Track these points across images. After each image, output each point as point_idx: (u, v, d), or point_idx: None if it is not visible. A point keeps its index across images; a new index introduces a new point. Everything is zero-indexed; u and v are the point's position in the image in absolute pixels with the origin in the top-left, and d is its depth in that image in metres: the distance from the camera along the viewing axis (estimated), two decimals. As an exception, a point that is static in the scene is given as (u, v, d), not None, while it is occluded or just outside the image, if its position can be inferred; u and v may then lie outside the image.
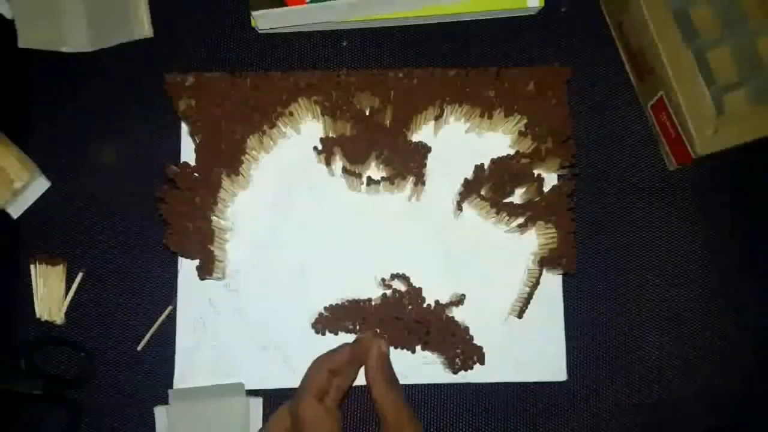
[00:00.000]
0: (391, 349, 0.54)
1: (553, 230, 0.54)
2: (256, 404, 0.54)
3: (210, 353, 0.56)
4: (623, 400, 0.57)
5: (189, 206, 0.53)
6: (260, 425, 0.54)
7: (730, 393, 0.57)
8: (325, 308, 0.55)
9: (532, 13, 0.60)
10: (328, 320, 0.55)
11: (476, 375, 0.55)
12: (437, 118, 0.56)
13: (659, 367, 0.57)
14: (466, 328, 0.55)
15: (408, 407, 0.49)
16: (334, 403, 0.49)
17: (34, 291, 0.56)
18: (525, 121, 0.55)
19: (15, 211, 0.57)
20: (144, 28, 0.59)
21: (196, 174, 0.54)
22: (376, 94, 0.54)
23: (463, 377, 0.55)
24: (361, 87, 0.55)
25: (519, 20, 0.60)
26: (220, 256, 0.55)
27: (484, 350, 0.54)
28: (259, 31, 0.60)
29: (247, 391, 0.55)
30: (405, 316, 0.54)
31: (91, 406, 0.55)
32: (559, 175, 0.57)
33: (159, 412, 0.54)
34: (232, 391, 0.54)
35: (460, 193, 0.55)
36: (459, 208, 0.56)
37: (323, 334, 0.55)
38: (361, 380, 0.55)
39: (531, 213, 0.54)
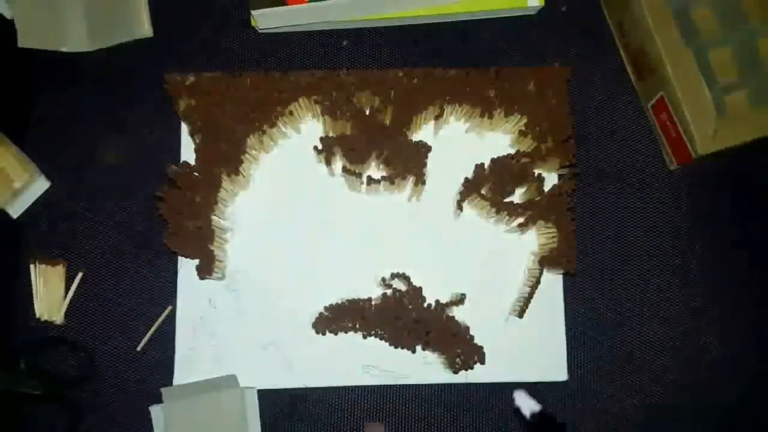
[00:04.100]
0: (391, 349, 0.54)
1: (554, 230, 0.54)
2: (251, 395, 0.54)
3: (210, 353, 0.55)
4: (624, 400, 0.57)
5: (189, 206, 0.53)
6: (256, 416, 0.54)
7: (732, 392, 0.57)
8: (325, 308, 0.55)
9: (532, 13, 0.60)
10: (328, 320, 0.54)
11: (476, 375, 0.55)
12: (437, 118, 0.56)
13: (660, 367, 0.57)
14: (467, 328, 0.55)
15: None
16: None
17: (34, 291, 0.56)
18: (525, 120, 0.55)
19: (15, 211, 0.57)
20: (144, 28, 0.59)
21: (196, 174, 0.54)
22: (376, 94, 0.54)
23: (463, 377, 0.55)
24: (361, 87, 0.54)
25: (519, 20, 0.60)
26: (220, 256, 0.55)
27: (484, 350, 0.54)
28: (259, 31, 0.60)
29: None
30: (405, 316, 0.54)
31: (91, 406, 0.55)
32: (559, 175, 0.57)
33: (155, 410, 0.54)
34: (226, 384, 0.54)
35: (460, 193, 0.55)
36: (459, 208, 0.56)
37: (323, 334, 0.55)
38: (362, 380, 0.56)
39: (531, 213, 0.54)
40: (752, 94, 0.54)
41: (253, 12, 0.56)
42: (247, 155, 0.55)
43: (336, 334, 0.55)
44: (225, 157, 0.54)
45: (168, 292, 0.56)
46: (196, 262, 0.54)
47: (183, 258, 0.56)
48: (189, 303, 0.56)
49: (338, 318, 0.54)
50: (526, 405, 0.52)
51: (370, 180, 0.55)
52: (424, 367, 0.55)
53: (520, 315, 0.55)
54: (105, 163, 0.59)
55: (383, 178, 0.55)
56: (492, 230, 0.57)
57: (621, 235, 0.59)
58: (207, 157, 0.54)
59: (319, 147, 0.55)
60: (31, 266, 0.56)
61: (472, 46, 0.60)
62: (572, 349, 0.56)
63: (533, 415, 0.52)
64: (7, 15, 0.58)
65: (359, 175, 0.55)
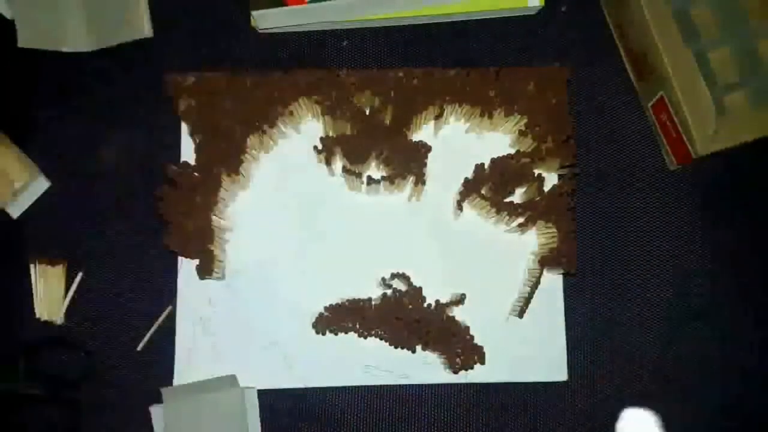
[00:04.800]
0: (391, 349, 0.54)
1: (554, 230, 0.54)
2: (251, 395, 0.54)
3: (210, 353, 0.56)
4: (624, 400, 0.57)
5: (189, 206, 0.53)
6: (256, 416, 0.54)
7: (732, 392, 0.57)
8: (325, 308, 0.55)
9: (532, 13, 0.60)
10: (328, 320, 0.55)
11: (476, 375, 0.55)
12: (437, 118, 0.56)
13: (660, 367, 0.57)
14: (467, 328, 0.55)
15: None
16: None
17: (34, 291, 0.56)
18: (525, 120, 0.55)
19: (15, 211, 0.57)
20: (144, 28, 0.59)
21: (196, 174, 0.54)
22: (376, 94, 0.54)
23: (463, 377, 0.55)
24: (361, 87, 0.55)
25: (519, 20, 0.60)
26: (220, 256, 0.55)
27: (484, 350, 0.54)
28: (259, 31, 0.60)
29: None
30: (405, 316, 0.54)
31: (91, 406, 0.55)
32: (559, 175, 0.57)
33: (155, 410, 0.54)
34: (226, 384, 0.54)
35: (460, 193, 0.55)
36: (459, 208, 0.56)
37: (323, 334, 0.55)
38: (362, 380, 0.56)
39: (531, 213, 0.54)
40: (752, 94, 0.54)
41: (253, 12, 0.56)
42: (247, 155, 0.55)
43: (336, 334, 0.55)
44: (225, 157, 0.54)
45: (168, 292, 0.56)
46: (196, 262, 0.54)
47: (183, 258, 0.56)
48: (189, 303, 0.56)
49: (338, 318, 0.54)
50: None
51: (370, 180, 0.55)
52: (424, 367, 0.55)
53: (520, 315, 0.55)
54: (105, 164, 0.59)
55: (383, 178, 0.55)
56: (492, 230, 0.57)
57: (621, 235, 0.59)
58: (207, 157, 0.54)
59: (319, 147, 0.55)
60: (31, 266, 0.56)
61: (472, 46, 0.60)
62: (572, 349, 0.56)
63: None
64: (7, 15, 0.58)
65: (359, 175, 0.55)
